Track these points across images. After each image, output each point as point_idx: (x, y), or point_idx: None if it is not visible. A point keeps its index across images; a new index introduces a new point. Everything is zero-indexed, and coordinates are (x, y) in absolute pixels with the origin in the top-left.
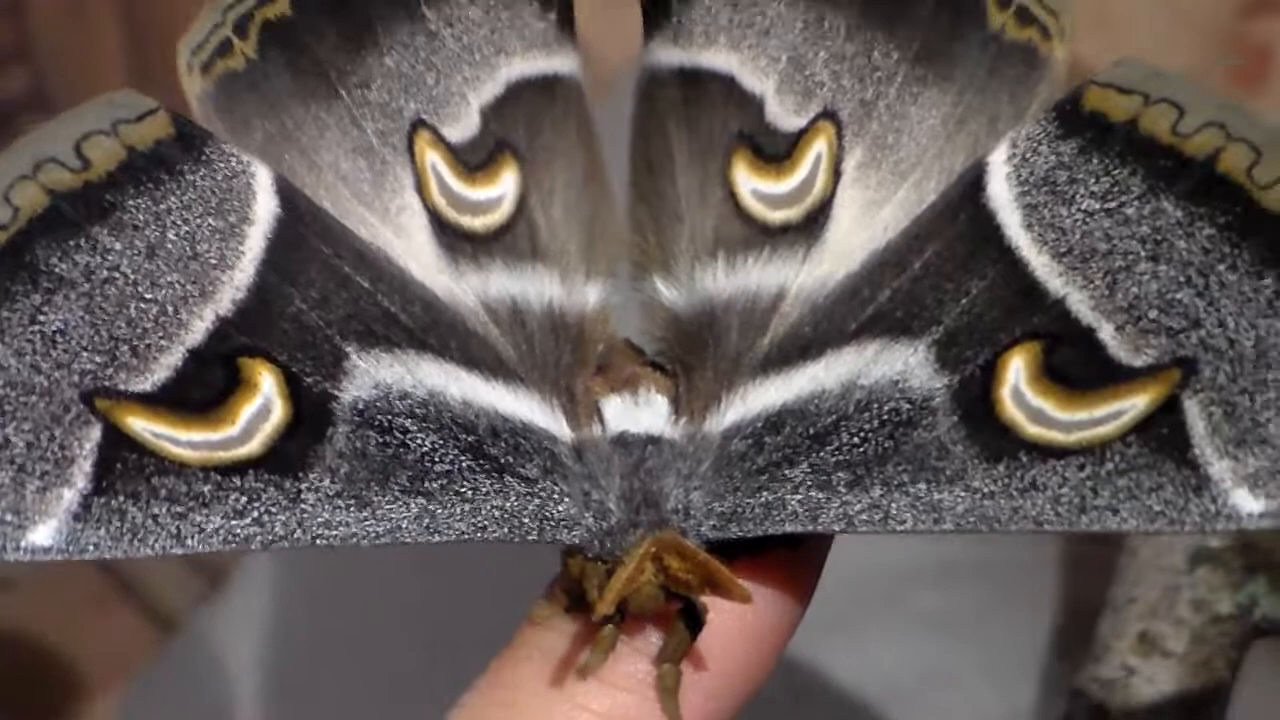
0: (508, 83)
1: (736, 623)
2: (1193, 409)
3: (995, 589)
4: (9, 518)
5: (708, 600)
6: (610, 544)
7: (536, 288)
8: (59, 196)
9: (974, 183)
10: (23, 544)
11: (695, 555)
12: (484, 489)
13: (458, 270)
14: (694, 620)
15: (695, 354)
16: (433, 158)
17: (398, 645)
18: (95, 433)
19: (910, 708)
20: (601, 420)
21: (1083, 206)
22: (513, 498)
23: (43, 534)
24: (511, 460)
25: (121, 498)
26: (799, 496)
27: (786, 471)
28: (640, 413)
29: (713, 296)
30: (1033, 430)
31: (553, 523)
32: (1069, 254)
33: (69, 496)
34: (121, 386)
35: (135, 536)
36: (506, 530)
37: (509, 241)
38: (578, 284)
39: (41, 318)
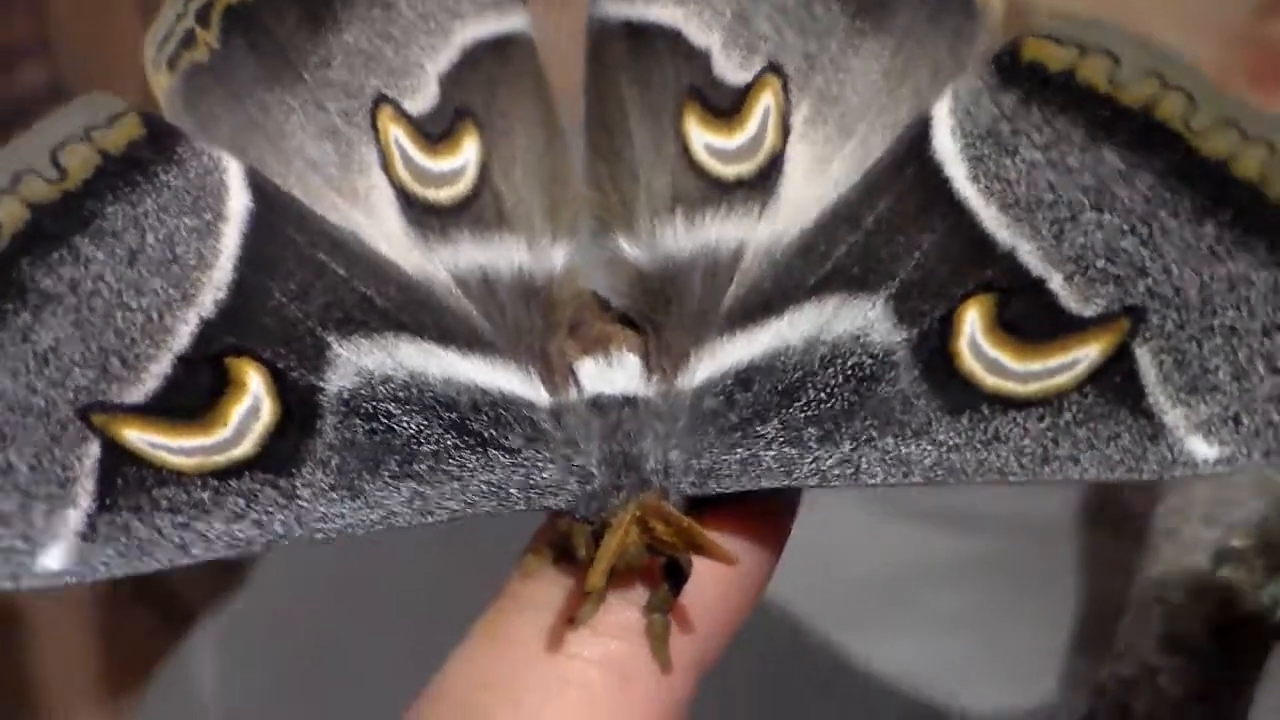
0: (462, 47)
1: (718, 572)
2: (1144, 357)
3: (1012, 587)
4: (20, 545)
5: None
6: (595, 506)
7: (504, 255)
8: (39, 210)
9: (920, 136)
10: (35, 570)
11: (679, 521)
12: (470, 465)
13: (428, 246)
14: (678, 573)
15: (661, 310)
16: (395, 132)
17: (415, 626)
18: (94, 449)
19: (930, 705)
20: (577, 383)
21: (1026, 158)
22: (498, 470)
23: (53, 557)
24: (494, 433)
25: (125, 513)
26: (773, 453)
27: (759, 428)
28: (614, 373)
29: (674, 253)
30: (991, 381)
31: (539, 490)
32: (1016, 205)
33: (75, 517)
34: (115, 399)
35: (142, 551)
36: (495, 503)
37: (475, 211)
38: (544, 247)
39: (33, 336)
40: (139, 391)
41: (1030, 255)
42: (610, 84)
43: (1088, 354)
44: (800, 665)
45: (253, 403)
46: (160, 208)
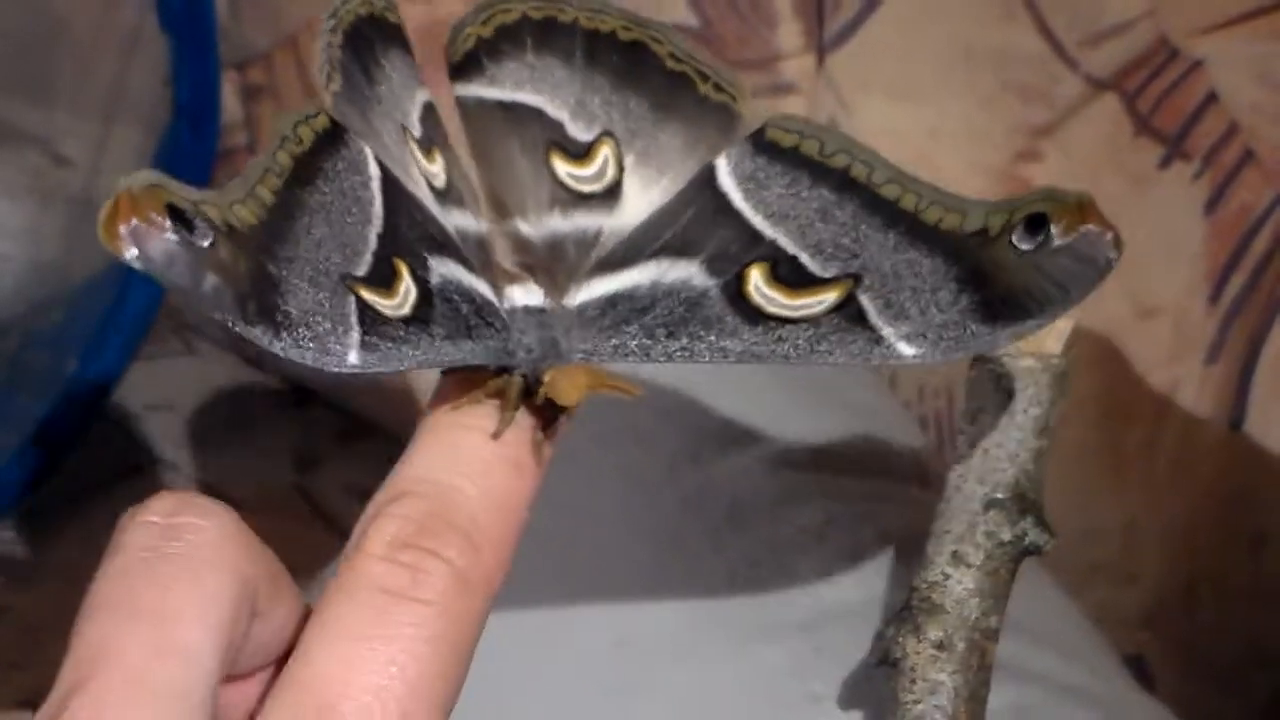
0: (422, 105)
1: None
2: (865, 300)
3: (869, 523)
4: (338, 347)
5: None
6: (533, 369)
7: (465, 221)
8: (295, 159)
9: (710, 173)
10: (347, 363)
11: (603, 373)
12: (487, 334)
13: (442, 210)
14: (553, 419)
15: (547, 263)
16: (412, 145)
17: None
18: (352, 300)
19: (814, 595)
20: (513, 300)
21: (775, 192)
22: (495, 339)
23: (352, 357)
24: (491, 320)
25: (373, 336)
26: (635, 342)
27: (625, 328)
28: (529, 295)
29: (555, 231)
30: (771, 309)
31: (507, 354)
32: (773, 215)
33: (355, 336)
34: (353, 273)
35: (386, 360)
36: (495, 358)
37: (451, 195)
38: (479, 218)
39: (313, 230)
40: (361, 270)
41: (786, 242)
42: (489, 131)
43: (829, 297)
44: (744, 564)
45: (407, 286)
46: (347, 166)
